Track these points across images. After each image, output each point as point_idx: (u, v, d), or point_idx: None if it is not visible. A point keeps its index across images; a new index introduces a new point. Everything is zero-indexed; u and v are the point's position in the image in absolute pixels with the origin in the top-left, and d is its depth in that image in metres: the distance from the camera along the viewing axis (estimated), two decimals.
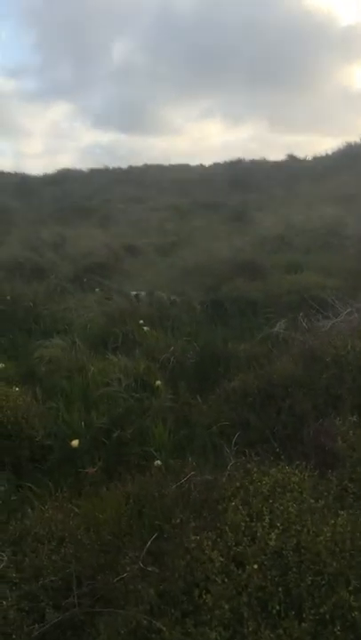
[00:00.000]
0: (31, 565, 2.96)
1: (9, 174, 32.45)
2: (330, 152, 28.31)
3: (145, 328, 7.00)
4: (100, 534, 3.17)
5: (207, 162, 33.29)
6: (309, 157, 28.51)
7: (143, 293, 9.11)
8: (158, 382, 5.46)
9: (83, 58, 67.90)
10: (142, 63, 63.76)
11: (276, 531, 2.56)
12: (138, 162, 33.46)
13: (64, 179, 29.54)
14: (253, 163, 28.63)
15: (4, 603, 2.67)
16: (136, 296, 9.00)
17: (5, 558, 2.99)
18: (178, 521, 2.84)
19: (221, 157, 42.73)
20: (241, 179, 24.39)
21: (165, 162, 33.51)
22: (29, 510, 3.64)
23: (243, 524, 2.67)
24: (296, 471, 3.07)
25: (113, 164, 32.55)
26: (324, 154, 28.39)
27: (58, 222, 18.09)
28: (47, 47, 71.90)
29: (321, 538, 2.50)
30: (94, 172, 31.20)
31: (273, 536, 2.53)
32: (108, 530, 3.19)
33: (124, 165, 32.50)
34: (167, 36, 64.57)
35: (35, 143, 63.97)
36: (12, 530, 3.28)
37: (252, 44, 58.31)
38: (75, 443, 4.44)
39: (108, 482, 4.03)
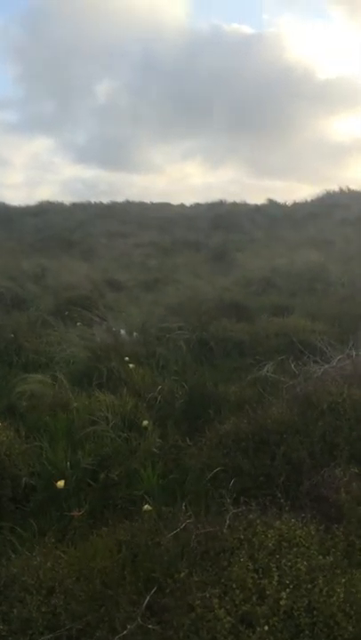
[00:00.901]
0: (19, 617, 2.77)
1: None
2: (309, 199, 29.02)
3: (131, 365, 6.88)
4: (92, 584, 3.00)
5: (188, 202, 33.79)
6: (289, 203, 29.16)
7: (123, 331, 8.99)
8: (146, 422, 5.32)
9: (65, 95, 69.16)
10: (124, 103, 65.20)
11: (287, 589, 2.44)
12: (119, 198, 33.72)
13: (45, 211, 29.55)
14: (234, 205, 29.11)
15: None
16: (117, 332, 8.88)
17: None
18: (181, 575, 2.69)
19: (201, 198, 43.54)
20: (222, 220, 24.73)
21: (146, 199, 33.87)
22: (13, 556, 3.45)
23: (250, 580, 2.54)
24: (301, 524, 2.96)
25: (94, 199, 32.71)
26: (303, 200, 29.08)
27: (39, 254, 17.99)
28: (30, 82, 73.09)
29: (334, 598, 2.38)
30: (76, 206, 31.31)
31: (284, 595, 2.41)
32: (100, 580, 3.02)
33: (105, 200, 32.77)
34: (150, 79, 66.40)
35: (15, 174, 64.24)
36: None
37: (232, 92, 60.18)
38: (60, 483, 4.26)
39: (95, 526, 3.87)
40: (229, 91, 58.73)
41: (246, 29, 77.88)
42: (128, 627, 2.52)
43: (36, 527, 3.91)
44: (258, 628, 2.32)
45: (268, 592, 2.47)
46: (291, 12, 79.82)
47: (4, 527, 3.96)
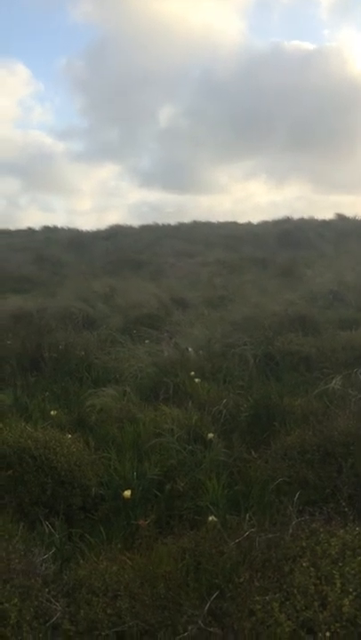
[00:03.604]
0: (86, 618, 2.86)
1: (63, 229, 33.80)
2: None
3: (196, 380, 6.94)
4: (156, 589, 3.05)
5: (254, 220, 33.85)
6: (359, 217, 28.57)
7: (190, 349, 9.03)
8: (211, 435, 5.35)
9: (129, 122, 71.87)
10: (187, 126, 66.82)
11: (350, 596, 2.39)
12: (185, 219, 34.28)
13: (115, 234, 30.43)
14: (302, 221, 28.87)
15: None
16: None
17: (60, 609, 2.89)
18: (241, 580, 2.70)
19: (267, 216, 43.54)
20: (289, 236, 24.55)
21: (213, 219, 34.21)
22: (82, 560, 3.56)
23: (312, 587, 2.52)
24: None
25: (160, 221, 33.46)
26: None
27: (109, 275, 18.50)
28: (95, 112, 76.61)
29: None
30: (144, 228, 32.09)
31: (346, 602, 2.37)
32: (164, 585, 3.07)
33: (172, 222, 33.39)
34: (210, 101, 67.79)
35: (84, 201, 67.13)
36: (65, 580, 3.20)
37: (294, 108, 60.36)
38: (127, 493, 4.35)
39: (161, 535, 3.92)
40: (291, 107, 58.83)
41: (307, 45, 78.13)
42: (190, 629, 2.55)
43: (105, 534, 4.01)
44: (319, 634, 2.30)
45: (330, 599, 2.44)
46: (350, 25, 79.54)
47: (73, 534, 4.09)
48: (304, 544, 2.88)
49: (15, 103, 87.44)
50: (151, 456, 5.04)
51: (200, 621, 2.61)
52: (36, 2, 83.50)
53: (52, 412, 6.13)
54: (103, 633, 2.76)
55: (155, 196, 69.28)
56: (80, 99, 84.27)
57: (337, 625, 2.32)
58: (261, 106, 61.58)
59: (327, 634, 2.29)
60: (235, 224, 33.55)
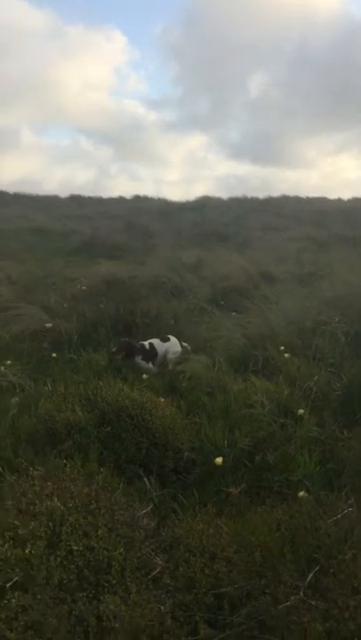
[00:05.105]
0: (184, 575, 2.93)
1: (152, 199, 34.11)
2: None
3: (286, 355, 6.86)
4: (252, 557, 3.08)
5: (344, 196, 32.71)
6: None
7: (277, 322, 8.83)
8: (301, 411, 5.29)
9: (220, 91, 70.80)
10: (278, 97, 64.97)
11: None
12: (272, 193, 33.57)
13: (203, 205, 30.34)
14: None
15: (162, 608, 2.65)
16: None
17: (160, 563, 2.98)
18: (346, 557, 2.66)
19: (357, 193, 41.85)
20: None
21: (299, 194, 33.33)
22: (177, 520, 3.64)
23: None
24: None
25: (247, 193, 32.94)
26: None
27: (196, 246, 18.50)
28: (187, 81, 75.96)
29: None
30: (232, 201, 31.76)
31: None
32: (260, 554, 3.09)
33: (260, 195, 32.84)
34: (303, 72, 65.38)
35: (172, 171, 67.29)
36: (163, 536, 3.29)
37: None
38: (219, 460, 4.39)
39: (251, 505, 3.94)
40: None
41: None
42: (292, 599, 2.56)
43: (198, 497, 4.08)
44: None
45: None
46: None
47: (166, 494, 4.19)
48: None
49: (111, 71, 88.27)
50: (241, 426, 5.04)
51: (301, 593, 2.61)
52: None
53: (143, 376, 6.26)
54: (202, 591, 2.83)
55: (242, 168, 68.32)
56: (174, 67, 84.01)
57: None
58: (356, 76, 58.67)
59: None
60: (324, 200, 32.60)
